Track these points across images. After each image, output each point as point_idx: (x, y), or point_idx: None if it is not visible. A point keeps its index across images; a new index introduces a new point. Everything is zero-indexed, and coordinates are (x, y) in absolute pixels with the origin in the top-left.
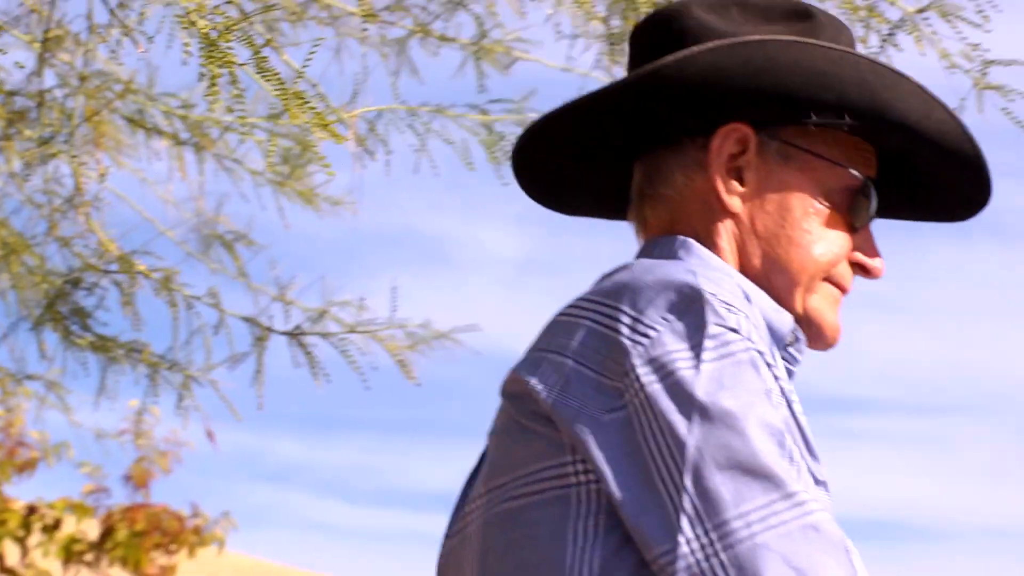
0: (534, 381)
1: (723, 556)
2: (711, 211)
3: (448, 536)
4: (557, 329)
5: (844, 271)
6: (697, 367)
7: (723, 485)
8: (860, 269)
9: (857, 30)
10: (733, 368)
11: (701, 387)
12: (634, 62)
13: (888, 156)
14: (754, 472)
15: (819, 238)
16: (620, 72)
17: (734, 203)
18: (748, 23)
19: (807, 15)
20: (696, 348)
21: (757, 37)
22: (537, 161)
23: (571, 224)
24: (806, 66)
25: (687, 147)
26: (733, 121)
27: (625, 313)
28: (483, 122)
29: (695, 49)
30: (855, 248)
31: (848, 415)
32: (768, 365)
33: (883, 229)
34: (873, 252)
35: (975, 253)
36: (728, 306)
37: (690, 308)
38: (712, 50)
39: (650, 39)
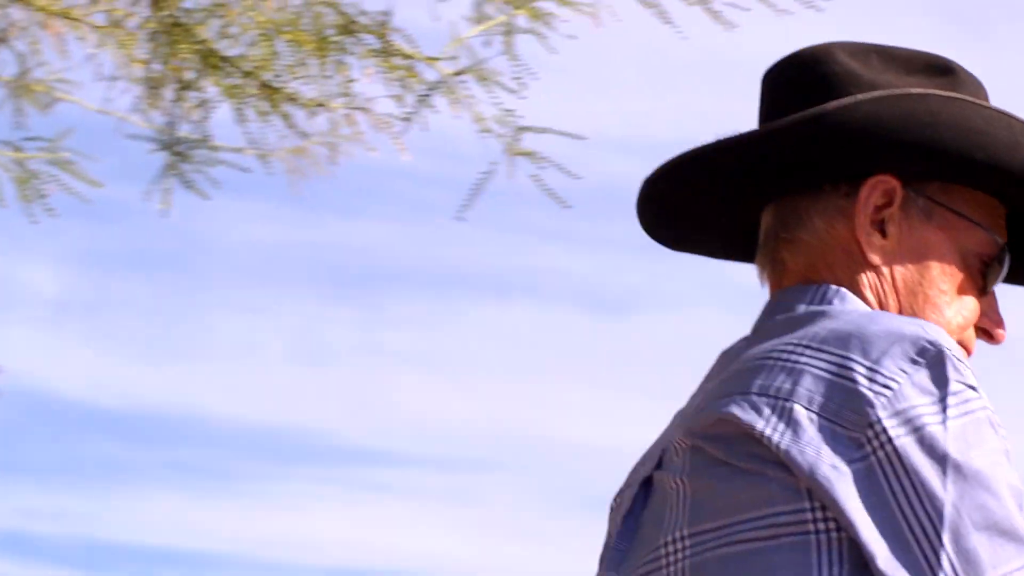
0: (758, 424)
1: None
2: (853, 261)
3: None
4: (769, 373)
5: (970, 335)
6: (944, 423)
7: (981, 546)
8: (984, 334)
9: (394, 89)
10: (975, 427)
11: (952, 445)
12: (776, 103)
13: (1016, 219)
14: (1009, 534)
15: (953, 300)
16: (158, 115)
17: (876, 256)
18: (889, 72)
19: (948, 69)
20: (941, 403)
21: (919, 90)
22: (665, 195)
23: (110, 263)
24: (962, 123)
25: (829, 194)
26: (882, 172)
27: (858, 363)
28: (16, 159)
29: (860, 97)
30: (982, 312)
31: (378, 467)
32: (1000, 425)
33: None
34: (998, 318)
35: (511, 312)
36: (964, 363)
37: (930, 361)
38: (876, 100)
39: (794, 81)
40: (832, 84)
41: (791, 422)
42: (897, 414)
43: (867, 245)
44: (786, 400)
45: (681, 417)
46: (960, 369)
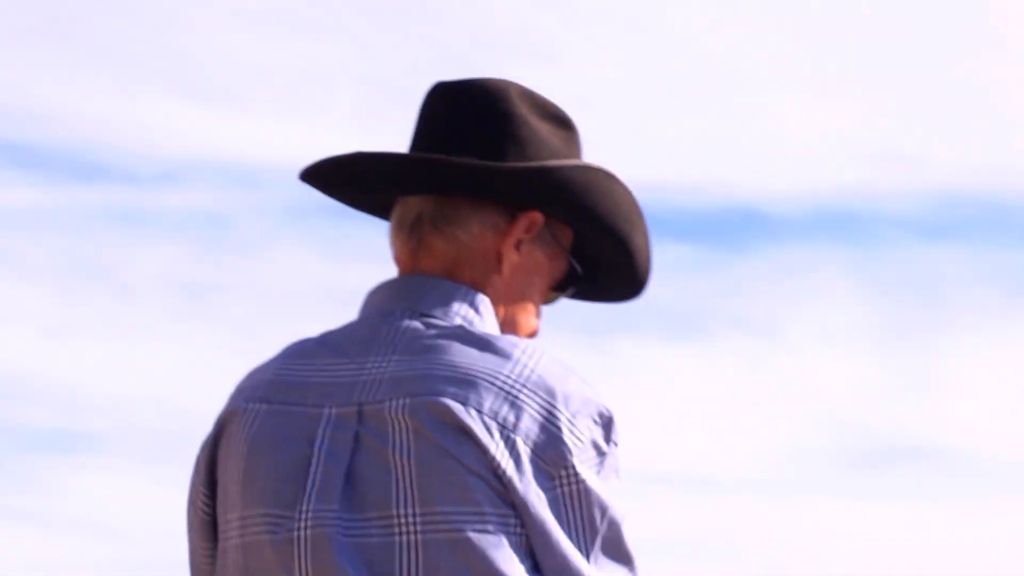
0: (491, 447)
1: None
2: (489, 267)
3: (309, 520)
4: (491, 396)
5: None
6: (602, 474)
7: (611, 551)
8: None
9: None
10: (615, 474)
11: (605, 489)
12: (457, 122)
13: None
14: (624, 552)
15: (536, 308)
16: None
17: (507, 268)
18: (542, 121)
19: (570, 125)
20: (603, 456)
21: (596, 165)
22: (339, 164)
23: None
24: (603, 189)
25: (491, 210)
26: (538, 209)
27: (562, 415)
28: None
29: (565, 164)
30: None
31: None
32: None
33: None
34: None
35: None
36: (617, 424)
37: (604, 424)
38: (573, 168)
39: (474, 111)
40: (511, 124)
41: (514, 453)
42: (583, 462)
43: (506, 259)
44: (512, 432)
45: (359, 375)
46: (617, 431)
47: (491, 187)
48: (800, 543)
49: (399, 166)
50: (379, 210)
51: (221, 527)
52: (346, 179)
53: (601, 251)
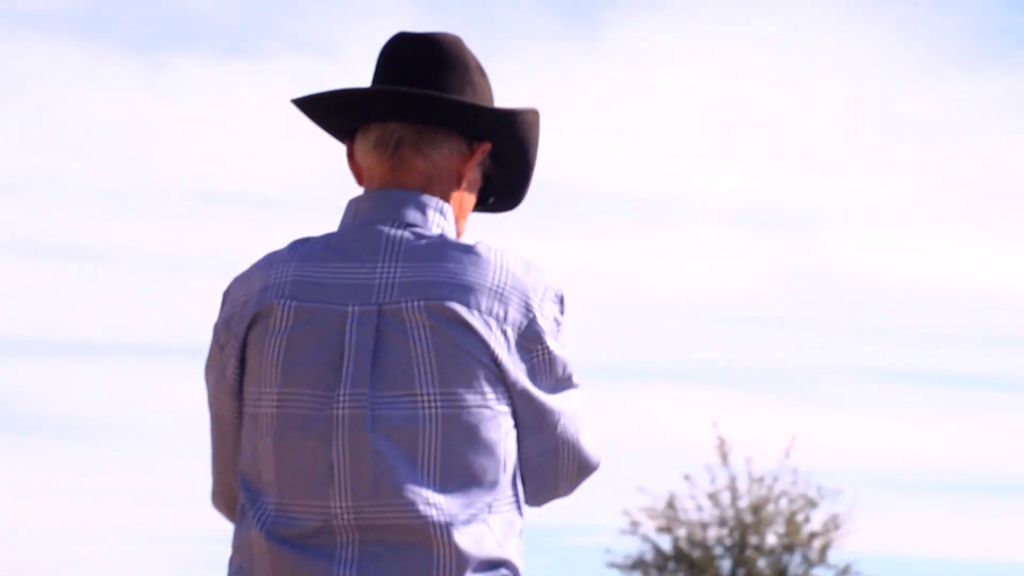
0: (491, 340)
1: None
2: (452, 184)
3: (348, 402)
4: (485, 295)
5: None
6: (562, 339)
7: (571, 391)
8: None
9: None
10: (565, 330)
11: (565, 353)
12: (424, 66)
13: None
14: (574, 388)
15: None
16: None
17: (464, 185)
18: (476, 67)
19: (485, 73)
20: (561, 325)
21: (537, 109)
22: (353, 96)
23: None
24: (537, 130)
25: (457, 138)
26: (490, 141)
27: (536, 305)
28: None
29: (525, 109)
30: None
31: None
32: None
33: None
34: None
35: None
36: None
37: (560, 304)
38: (529, 112)
39: (439, 58)
40: (468, 72)
41: (506, 340)
42: (549, 336)
43: (465, 178)
44: (503, 324)
45: (373, 278)
46: (567, 302)
47: (465, 121)
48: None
49: (399, 98)
50: (343, 134)
51: (250, 397)
52: (341, 109)
53: (511, 175)
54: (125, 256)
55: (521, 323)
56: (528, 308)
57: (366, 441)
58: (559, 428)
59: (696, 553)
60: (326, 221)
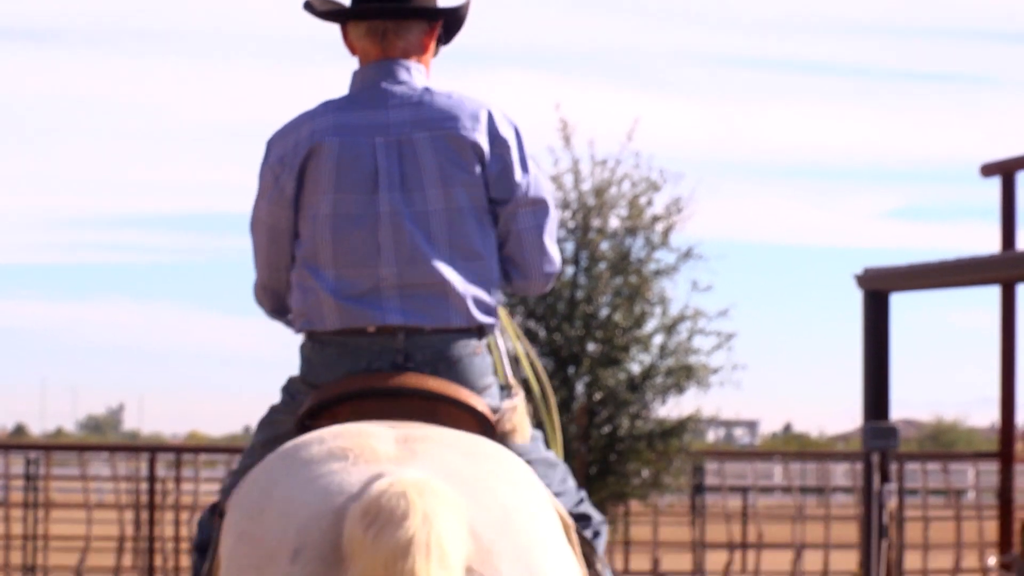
0: (470, 145)
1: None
2: (421, 51)
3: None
4: (470, 118)
5: None
6: (526, 147)
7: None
8: None
9: None
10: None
11: (534, 168)
12: None
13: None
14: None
15: None
16: None
17: (429, 53)
18: None
19: None
20: (523, 139)
21: (467, 2)
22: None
23: None
24: (467, 8)
25: (423, 23)
26: (441, 22)
27: (508, 126)
28: None
29: (467, 2)
30: None
31: None
32: None
33: None
34: None
35: None
36: None
37: (518, 127)
38: (465, 6)
39: None
40: None
41: (492, 153)
42: (518, 146)
43: (428, 48)
44: (479, 133)
45: (389, 119)
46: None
47: (426, 15)
48: None
49: (388, 9)
50: (338, 21)
51: (309, 206)
52: (347, 16)
53: (450, 35)
54: None
55: (499, 138)
56: (506, 127)
57: (402, 228)
58: (522, 214)
59: None
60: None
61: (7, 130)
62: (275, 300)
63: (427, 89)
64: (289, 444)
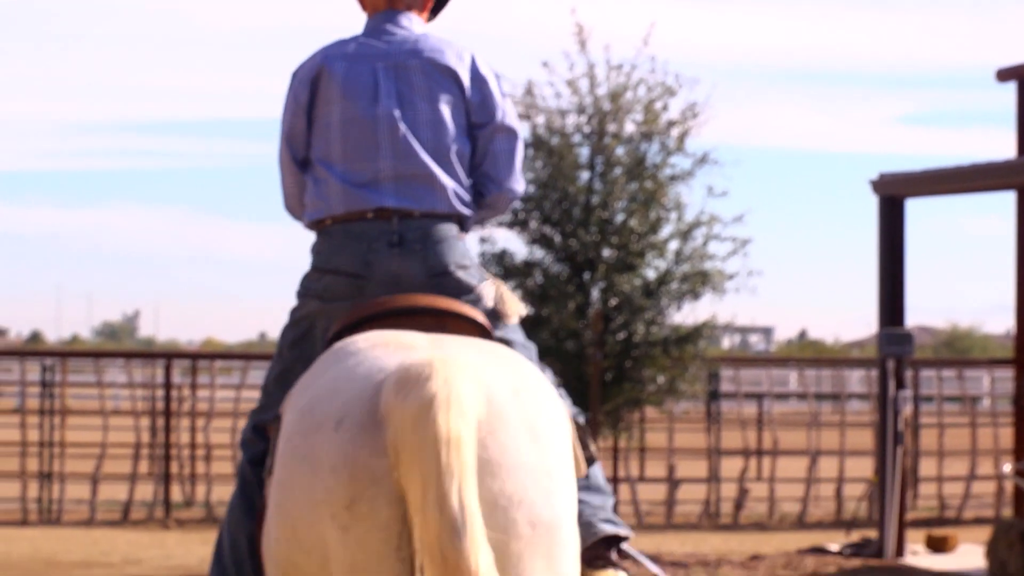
0: (453, 73)
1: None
2: (421, 6)
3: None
4: (454, 54)
5: None
6: (502, 83)
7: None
8: None
9: None
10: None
11: (507, 104)
12: None
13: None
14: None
15: None
16: None
17: (427, 5)
18: None
19: None
20: (500, 77)
21: None
22: None
23: None
24: None
25: None
26: None
27: (477, 60)
28: None
29: None
30: None
31: None
32: None
33: None
34: None
35: None
36: None
37: (497, 73)
38: None
39: None
40: None
41: (472, 83)
42: (497, 79)
43: (427, 6)
44: (462, 65)
45: (389, 50)
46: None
47: None
48: None
49: None
50: None
51: (322, 111)
52: None
53: (433, 15)
54: None
55: (470, 66)
56: (473, 60)
57: (397, 130)
58: (499, 138)
59: (555, 140)
60: None
61: (18, 35)
62: (298, 209)
63: (424, 33)
64: (336, 345)
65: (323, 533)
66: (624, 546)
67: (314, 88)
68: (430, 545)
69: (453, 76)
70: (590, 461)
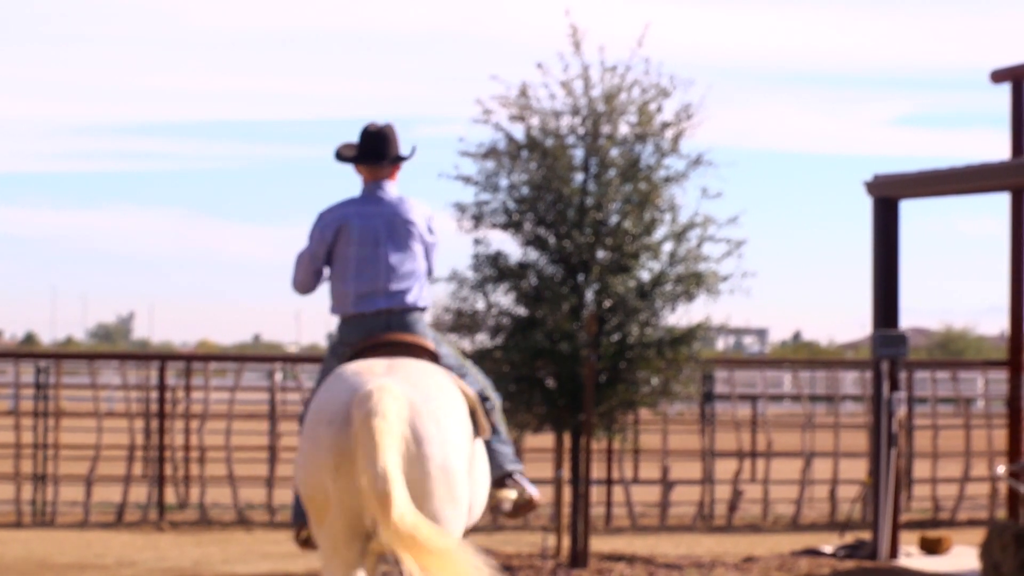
0: (418, 228)
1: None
2: (392, 175)
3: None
4: (420, 214)
5: None
6: (437, 229)
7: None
8: None
9: None
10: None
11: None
12: (382, 140)
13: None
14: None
15: None
16: None
17: (395, 174)
18: (395, 138)
19: (397, 136)
20: (432, 216)
21: (414, 146)
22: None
23: None
24: (413, 154)
25: (391, 165)
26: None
27: (431, 219)
28: None
29: (410, 153)
30: None
31: None
32: None
33: None
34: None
35: None
36: None
37: (433, 217)
38: (413, 151)
39: (387, 137)
40: (396, 142)
41: (425, 230)
42: (434, 229)
43: (394, 174)
44: (424, 221)
45: (383, 211)
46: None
47: (393, 161)
48: None
49: (378, 160)
50: (349, 163)
51: (340, 252)
52: (354, 157)
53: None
54: None
55: (427, 224)
56: (429, 219)
57: (389, 262)
58: (432, 258)
59: (549, 142)
60: None
61: (15, 36)
62: (305, 291)
63: (400, 197)
64: (337, 369)
65: (323, 481)
66: (516, 476)
67: (337, 233)
68: (368, 487)
69: (418, 227)
70: (493, 427)
